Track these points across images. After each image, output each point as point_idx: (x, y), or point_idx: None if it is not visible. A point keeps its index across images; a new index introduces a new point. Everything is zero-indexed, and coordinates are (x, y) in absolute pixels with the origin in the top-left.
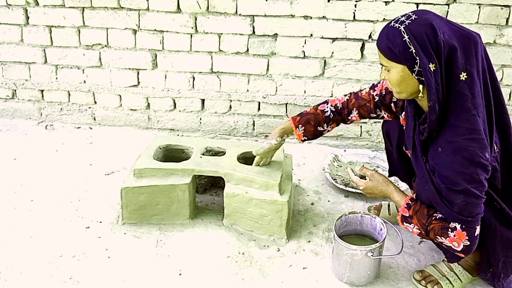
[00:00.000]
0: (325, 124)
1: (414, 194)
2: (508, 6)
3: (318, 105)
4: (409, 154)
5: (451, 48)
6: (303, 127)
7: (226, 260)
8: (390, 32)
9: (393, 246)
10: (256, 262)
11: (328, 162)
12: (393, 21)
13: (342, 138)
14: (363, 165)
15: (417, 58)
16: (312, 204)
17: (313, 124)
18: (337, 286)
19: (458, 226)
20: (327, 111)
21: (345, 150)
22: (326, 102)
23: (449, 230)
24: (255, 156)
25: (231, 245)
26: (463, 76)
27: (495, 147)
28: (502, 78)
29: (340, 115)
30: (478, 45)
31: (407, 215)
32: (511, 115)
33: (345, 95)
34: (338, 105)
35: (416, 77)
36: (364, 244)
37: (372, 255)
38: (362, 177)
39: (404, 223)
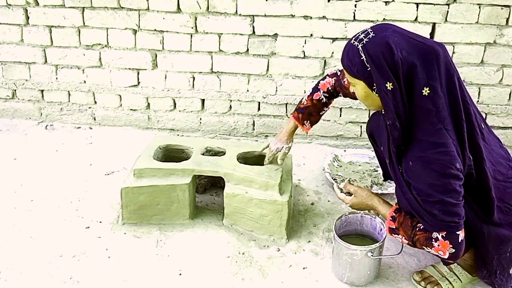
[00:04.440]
0: (325, 107)
1: (396, 203)
2: (508, 6)
3: (312, 94)
4: None
5: (410, 65)
6: (308, 121)
7: (226, 260)
8: (350, 50)
9: (393, 246)
10: (256, 262)
11: (328, 162)
12: (353, 38)
13: (342, 138)
14: (349, 180)
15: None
16: (312, 204)
17: (315, 114)
18: (337, 286)
19: (439, 236)
20: (322, 99)
21: (345, 150)
22: (317, 89)
23: (433, 240)
24: (254, 156)
25: (231, 245)
26: (425, 91)
27: (469, 157)
28: (502, 78)
29: (333, 96)
30: (440, 57)
31: (394, 227)
32: (509, 115)
33: (329, 76)
34: (329, 88)
35: (376, 94)
36: (364, 244)
37: (372, 255)
38: (349, 193)
39: (393, 234)
